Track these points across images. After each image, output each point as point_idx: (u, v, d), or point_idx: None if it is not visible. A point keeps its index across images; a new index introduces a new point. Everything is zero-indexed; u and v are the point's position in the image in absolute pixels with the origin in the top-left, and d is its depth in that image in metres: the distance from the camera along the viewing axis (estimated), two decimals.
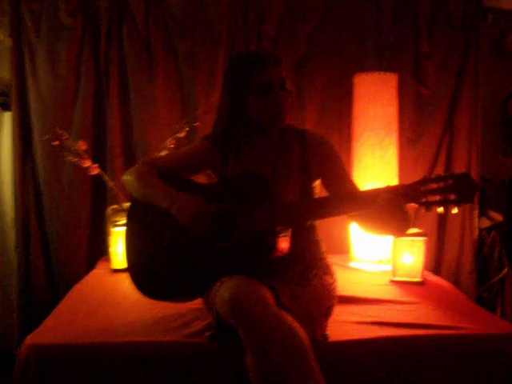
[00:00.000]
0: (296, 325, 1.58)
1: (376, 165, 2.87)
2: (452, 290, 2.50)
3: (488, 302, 3.38)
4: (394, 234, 2.05)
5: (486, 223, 3.38)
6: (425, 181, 1.59)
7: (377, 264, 2.88)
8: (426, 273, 2.69)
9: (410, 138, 3.30)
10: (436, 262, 3.36)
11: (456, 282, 3.28)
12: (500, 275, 3.33)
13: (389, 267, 2.70)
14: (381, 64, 3.22)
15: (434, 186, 1.57)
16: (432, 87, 3.29)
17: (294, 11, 3.20)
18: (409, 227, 1.74)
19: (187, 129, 2.93)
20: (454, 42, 3.25)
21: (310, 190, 1.91)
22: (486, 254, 3.41)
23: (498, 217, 3.37)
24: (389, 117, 2.89)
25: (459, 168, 3.27)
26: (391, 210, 1.60)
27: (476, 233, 3.35)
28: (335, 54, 3.23)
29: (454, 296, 2.40)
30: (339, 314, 1.98)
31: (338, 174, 1.91)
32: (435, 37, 3.26)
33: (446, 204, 1.56)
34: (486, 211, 3.40)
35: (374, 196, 1.62)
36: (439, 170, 3.30)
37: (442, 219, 3.33)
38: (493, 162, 3.50)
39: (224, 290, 1.62)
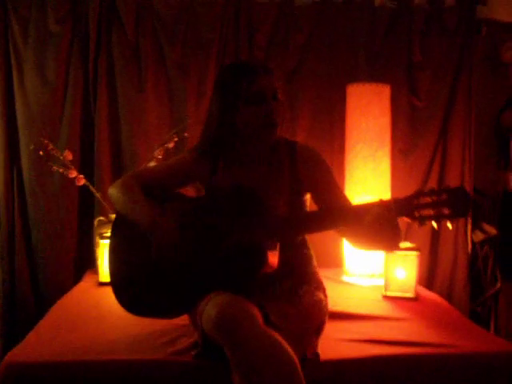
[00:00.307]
0: (285, 343, 1.52)
1: (368, 177, 2.82)
2: (445, 306, 2.45)
3: (481, 316, 3.33)
4: (384, 250, 1.99)
5: (480, 236, 3.34)
6: (418, 195, 1.54)
7: (369, 278, 2.82)
8: (419, 288, 2.64)
9: (402, 149, 3.28)
10: (429, 276, 3.32)
11: (449, 296, 3.25)
12: (493, 290, 3.29)
13: (381, 281, 2.64)
14: (373, 74, 3.20)
15: (428, 200, 1.53)
16: (425, 98, 3.28)
17: (286, 21, 3.18)
18: (399, 243, 1.68)
19: (176, 139, 2.88)
20: (448, 53, 3.25)
21: (300, 203, 1.86)
22: (479, 267, 3.37)
23: (492, 230, 3.34)
24: (382, 128, 2.85)
25: (453, 180, 3.25)
26: (383, 224, 1.55)
27: (469, 246, 3.31)
28: (327, 64, 3.21)
29: (447, 312, 2.35)
30: (331, 330, 1.92)
31: (328, 187, 1.86)
32: (428, 47, 3.26)
33: (440, 219, 1.52)
34: (479, 224, 3.36)
35: (366, 210, 1.57)
36: (432, 183, 3.28)
37: (435, 233, 3.29)
38: (486, 175, 3.46)
39: (210, 307, 1.56)
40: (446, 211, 1.51)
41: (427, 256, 3.29)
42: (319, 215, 1.69)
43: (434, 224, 1.54)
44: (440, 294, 2.89)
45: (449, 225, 1.54)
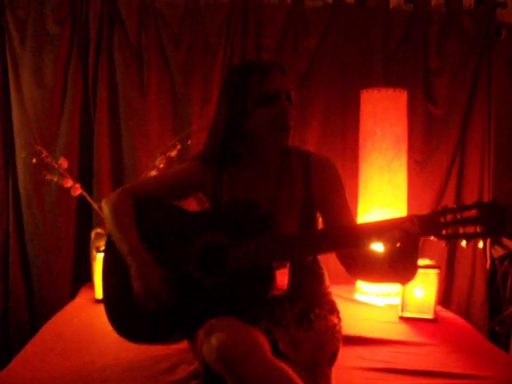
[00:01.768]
0: (295, 376, 1.35)
1: (384, 189, 2.67)
2: (467, 329, 2.29)
3: (500, 335, 3.16)
4: (397, 281, 1.63)
5: (499, 252, 3.17)
6: (445, 211, 1.36)
7: (384, 297, 2.65)
8: (438, 308, 2.47)
9: (418, 160, 3.13)
10: (446, 294, 3.17)
11: (466, 314, 3.11)
12: None
13: (397, 300, 2.49)
14: (388, 80, 3.06)
15: (457, 216, 1.35)
16: (442, 106, 3.14)
17: (296, 23, 3.05)
18: (416, 272, 1.47)
19: (179, 147, 2.73)
20: (466, 58, 3.10)
21: (312, 219, 1.69)
22: (498, 284, 3.20)
23: None
24: (398, 137, 2.70)
25: (471, 192, 3.13)
26: (405, 245, 1.36)
27: (488, 262, 3.15)
28: (340, 68, 3.08)
29: (470, 336, 2.20)
30: (345, 358, 1.76)
31: (338, 207, 1.68)
32: (446, 51, 3.12)
33: (471, 238, 1.34)
34: (498, 239, 3.19)
35: (391, 226, 1.39)
36: (449, 195, 3.14)
37: (452, 247, 3.12)
38: (505, 186, 3.30)
39: (212, 335, 1.39)
40: (477, 229, 1.33)
41: (444, 272, 3.13)
42: (334, 233, 1.50)
43: (463, 243, 1.37)
44: (457, 312, 2.74)
45: (480, 244, 1.37)
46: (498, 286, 3.22)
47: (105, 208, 1.69)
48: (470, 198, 3.09)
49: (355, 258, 1.59)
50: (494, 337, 3.13)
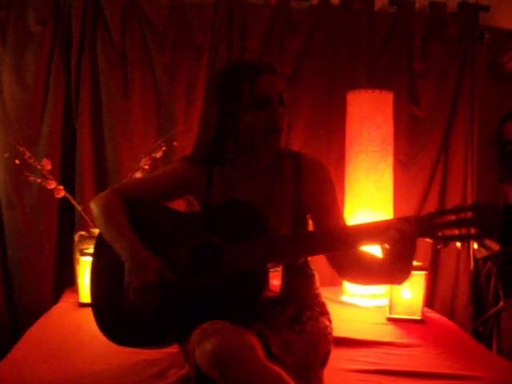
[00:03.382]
0: (289, 379, 1.33)
1: (370, 190, 2.67)
2: (455, 330, 2.30)
3: (483, 336, 3.18)
4: (392, 282, 1.64)
5: (483, 253, 3.19)
6: (440, 212, 1.37)
7: (370, 298, 2.65)
8: (424, 309, 2.47)
9: (403, 161, 3.14)
10: (429, 295, 3.15)
11: (451, 315, 3.13)
12: (496, 308, 3.13)
13: (383, 302, 2.48)
14: (372, 82, 3.06)
15: (452, 217, 1.35)
16: (426, 108, 3.16)
17: (282, 24, 3.04)
18: (411, 273, 1.47)
19: (164, 148, 2.70)
20: (450, 60, 3.14)
21: (304, 220, 1.68)
22: (481, 285, 3.22)
23: (495, 246, 3.18)
24: (384, 138, 2.70)
25: (455, 193, 3.16)
26: (403, 245, 1.36)
27: (472, 264, 3.16)
28: (325, 70, 3.08)
29: (458, 336, 2.20)
30: (336, 360, 1.74)
31: (329, 210, 1.67)
32: (429, 54, 3.14)
33: (466, 239, 1.35)
34: (482, 240, 3.20)
35: (385, 228, 1.38)
36: (433, 196, 3.17)
37: (436, 249, 3.13)
38: (487, 187, 3.33)
39: (205, 339, 1.36)
40: (472, 231, 1.33)
41: (427, 273, 3.11)
42: (330, 235, 1.49)
43: (458, 244, 1.37)
44: (441, 313, 2.74)
45: (475, 245, 1.38)
46: (481, 286, 3.24)
47: (94, 208, 1.64)
48: (454, 197, 3.13)
49: (347, 260, 1.58)
50: (477, 338, 3.15)
